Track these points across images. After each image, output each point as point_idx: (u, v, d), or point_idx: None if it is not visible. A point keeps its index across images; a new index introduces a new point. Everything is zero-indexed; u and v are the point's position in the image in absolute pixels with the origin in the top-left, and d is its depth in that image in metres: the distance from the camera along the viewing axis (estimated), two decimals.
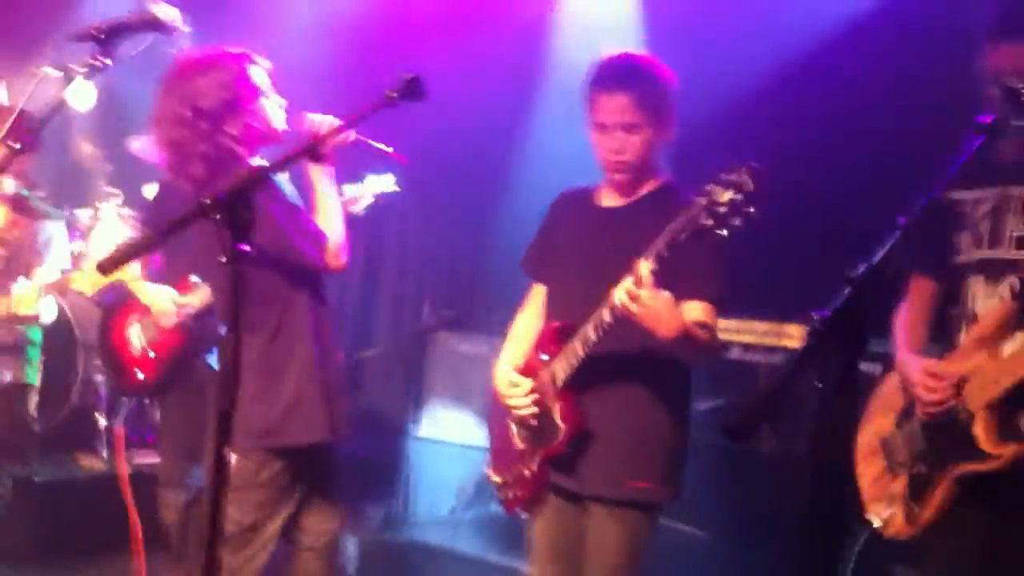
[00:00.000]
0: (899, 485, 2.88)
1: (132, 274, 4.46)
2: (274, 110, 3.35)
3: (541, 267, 3.34)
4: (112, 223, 5.34)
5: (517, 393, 3.12)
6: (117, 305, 4.64)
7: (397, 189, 4.48)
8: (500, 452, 3.31)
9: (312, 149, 2.51)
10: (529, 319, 3.33)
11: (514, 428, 3.21)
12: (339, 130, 2.92)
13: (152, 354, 4.44)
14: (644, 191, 3.14)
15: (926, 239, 2.91)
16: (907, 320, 3.04)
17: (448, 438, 5.92)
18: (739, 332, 5.06)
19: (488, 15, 6.49)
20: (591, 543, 3.10)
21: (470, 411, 5.86)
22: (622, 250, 2.83)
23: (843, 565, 3.63)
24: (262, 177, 2.35)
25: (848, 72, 5.44)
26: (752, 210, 2.52)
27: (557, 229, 3.32)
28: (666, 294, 2.74)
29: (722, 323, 5.17)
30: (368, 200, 4.38)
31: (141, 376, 4.48)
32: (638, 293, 2.70)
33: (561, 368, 3.02)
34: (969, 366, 2.74)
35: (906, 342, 2.99)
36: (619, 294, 2.73)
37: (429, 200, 6.89)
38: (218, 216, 2.17)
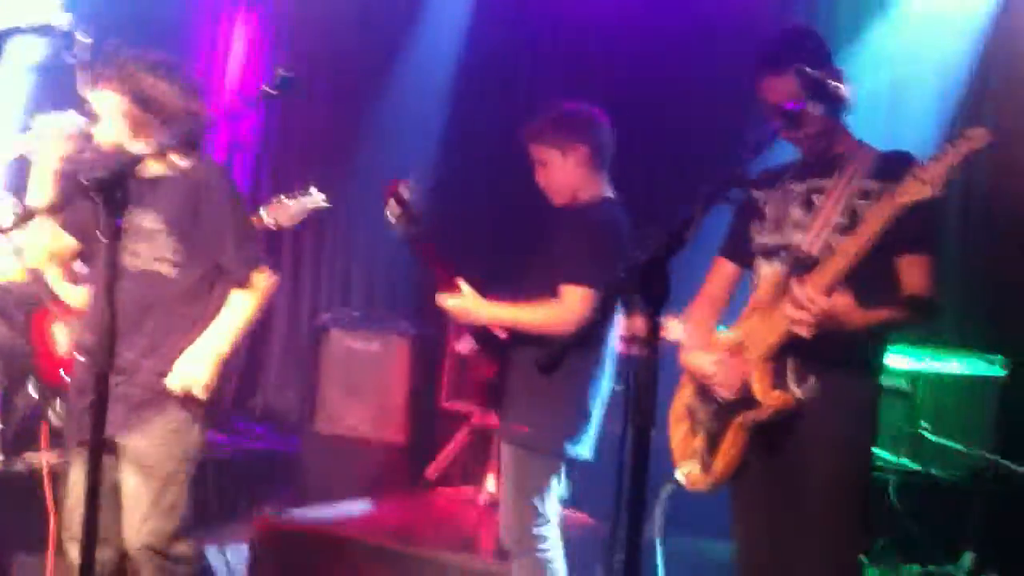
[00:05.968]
0: (699, 442, 3.22)
1: (54, 276, 4.48)
2: None
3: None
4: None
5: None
6: (40, 304, 4.66)
7: (327, 206, 4.62)
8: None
9: (187, 140, 2.69)
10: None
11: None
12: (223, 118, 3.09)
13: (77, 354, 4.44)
14: None
15: (730, 229, 3.38)
16: (698, 307, 3.39)
17: (343, 433, 6.09)
18: None
19: None
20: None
21: (364, 407, 6.05)
22: None
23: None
24: (136, 162, 2.53)
25: None
26: None
27: None
28: None
29: None
30: (302, 216, 4.55)
31: (64, 375, 4.48)
32: None
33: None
34: (746, 330, 3.13)
35: (693, 334, 3.30)
36: None
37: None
38: (97, 195, 2.35)
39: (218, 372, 3.34)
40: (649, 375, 1.85)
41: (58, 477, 4.52)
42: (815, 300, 2.84)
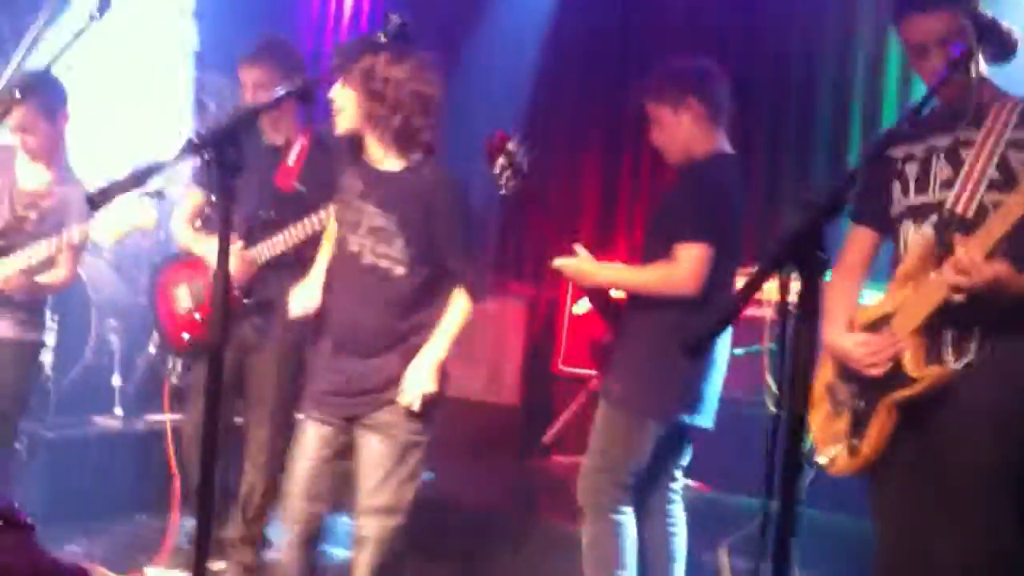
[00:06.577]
0: (842, 423, 3.00)
1: (186, 229, 4.43)
2: None
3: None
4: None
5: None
6: (167, 264, 4.61)
7: None
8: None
9: (302, 92, 2.58)
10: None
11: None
12: (330, 76, 2.99)
13: (198, 316, 4.40)
14: None
15: (864, 191, 3.06)
16: (838, 279, 3.13)
17: (457, 396, 6.00)
18: None
19: None
20: None
21: (478, 369, 5.96)
22: None
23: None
24: (251, 117, 2.42)
25: None
26: None
27: None
28: None
29: None
30: None
31: (186, 337, 4.47)
32: None
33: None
34: (896, 302, 2.89)
35: (834, 309, 3.06)
36: None
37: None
38: (208, 154, 2.24)
39: (439, 373, 3.38)
40: (806, 345, 1.69)
41: (178, 437, 4.56)
42: (980, 266, 2.62)
